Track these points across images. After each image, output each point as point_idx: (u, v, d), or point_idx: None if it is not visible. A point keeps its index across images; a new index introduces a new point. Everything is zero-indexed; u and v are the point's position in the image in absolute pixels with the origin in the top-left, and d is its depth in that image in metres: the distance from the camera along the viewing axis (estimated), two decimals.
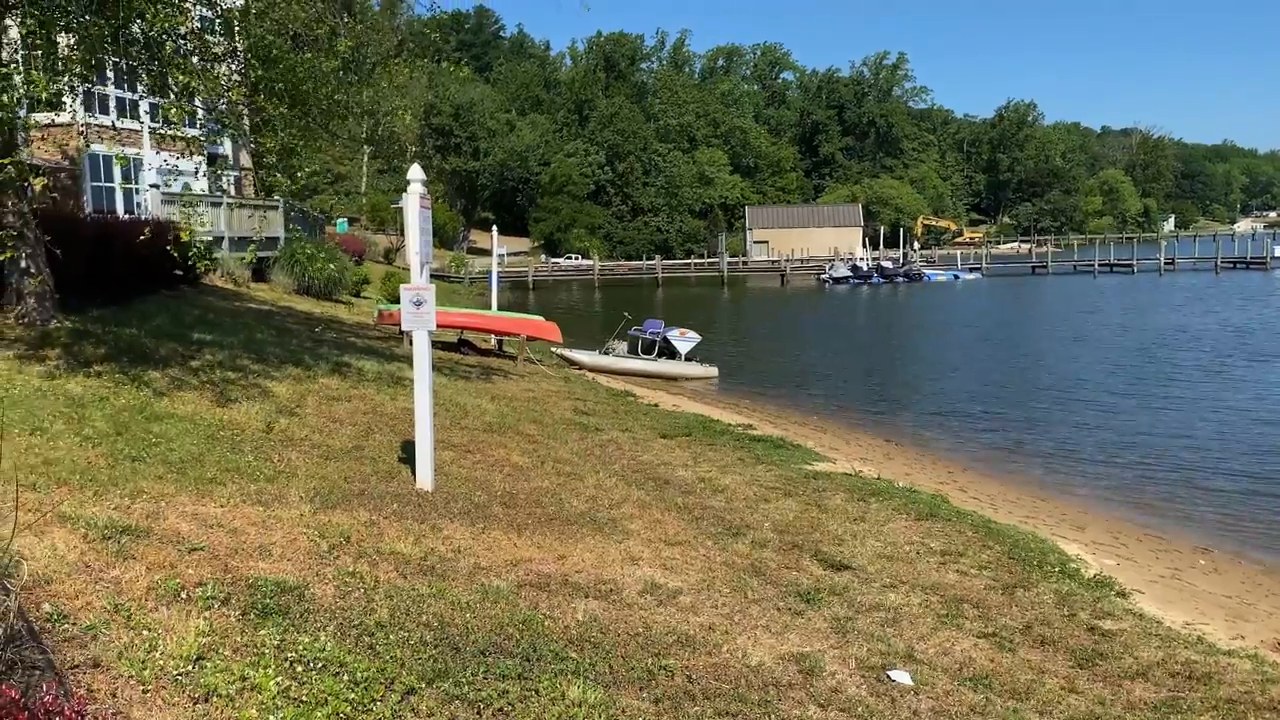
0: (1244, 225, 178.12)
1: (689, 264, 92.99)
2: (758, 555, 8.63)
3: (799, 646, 6.41)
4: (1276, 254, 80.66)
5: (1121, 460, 16.85)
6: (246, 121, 13.09)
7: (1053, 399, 23.19)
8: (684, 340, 27.52)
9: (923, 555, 9.20)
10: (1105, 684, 6.36)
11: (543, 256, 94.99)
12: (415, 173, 8.58)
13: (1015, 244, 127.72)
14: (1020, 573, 8.84)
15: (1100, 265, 78.92)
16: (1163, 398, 22.90)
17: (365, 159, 72.97)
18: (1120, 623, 7.67)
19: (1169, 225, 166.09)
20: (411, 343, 9.33)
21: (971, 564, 8.98)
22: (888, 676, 6.11)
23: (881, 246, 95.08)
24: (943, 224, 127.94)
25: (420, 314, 8.54)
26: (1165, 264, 77.91)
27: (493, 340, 24.63)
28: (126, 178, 24.76)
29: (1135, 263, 78.47)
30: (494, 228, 29.26)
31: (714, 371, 27.34)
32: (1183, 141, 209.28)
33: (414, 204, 8.49)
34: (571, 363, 26.14)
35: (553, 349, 26.11)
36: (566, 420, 14.80)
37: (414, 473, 8.85)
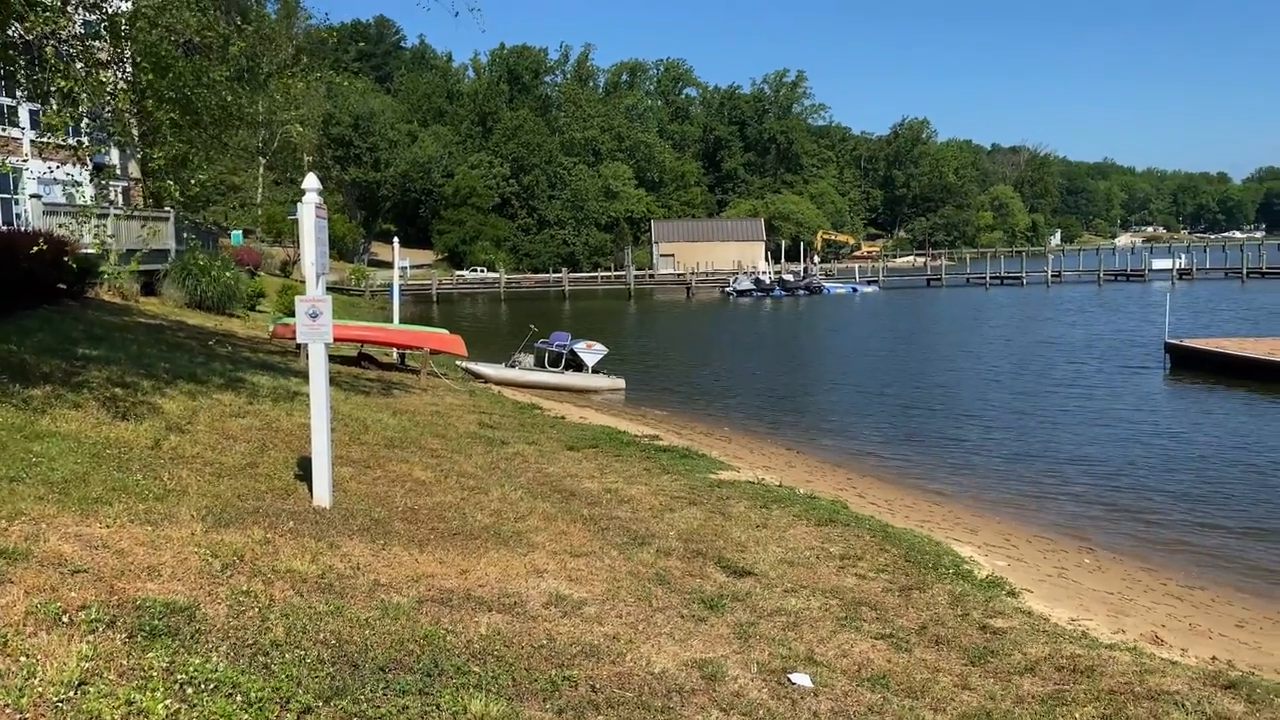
0: (1124, 240, 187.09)
1: (596, 277, 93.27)
2: (662, 564, 8.68)
3: (702, 653, 6.47)
4: (1154, 267, 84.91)
5: (1012, 465, 17.49)
6: (135, 129, 12.65)
7: (948, 407, 23.93)
8: (591, 353, 27.55)
9: (823, 560, 9.38)
10: (996, 680, 6.58)
11: (458, 272, 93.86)
12: (310, 182, 8.42)
13: (911, 257, 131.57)
14: (916, 575, 9.08)
15: (992, 278, 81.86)
16: (1050, 407, 23.85)
17: (261, 169, 71.15)
18: (1010, 621, 7.93)
19: (1055, 239, 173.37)
20: (308, 356, 9.13)
21: (870, 567, 9.19)
22: (789, 679, 6.22)
23: (783, 260, 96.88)
24: (842, 238, 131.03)
25: (316, 326, 8.37)
26: (1052, 277, 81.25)
27: (394, 354, 24.24)
28: (4, 188, 23.65)
29: (1024, 275, 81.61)
30: (395, 240, 28.81)
31: (621, 383, 27.43)
32: (1067, 159, 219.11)
33: (309, 214, 8.32)
34: (477, 376, 25.90)
35: (457, 362, 25.83)
36: (471, 434, 14.67)
37: (311, 489, 8.65)
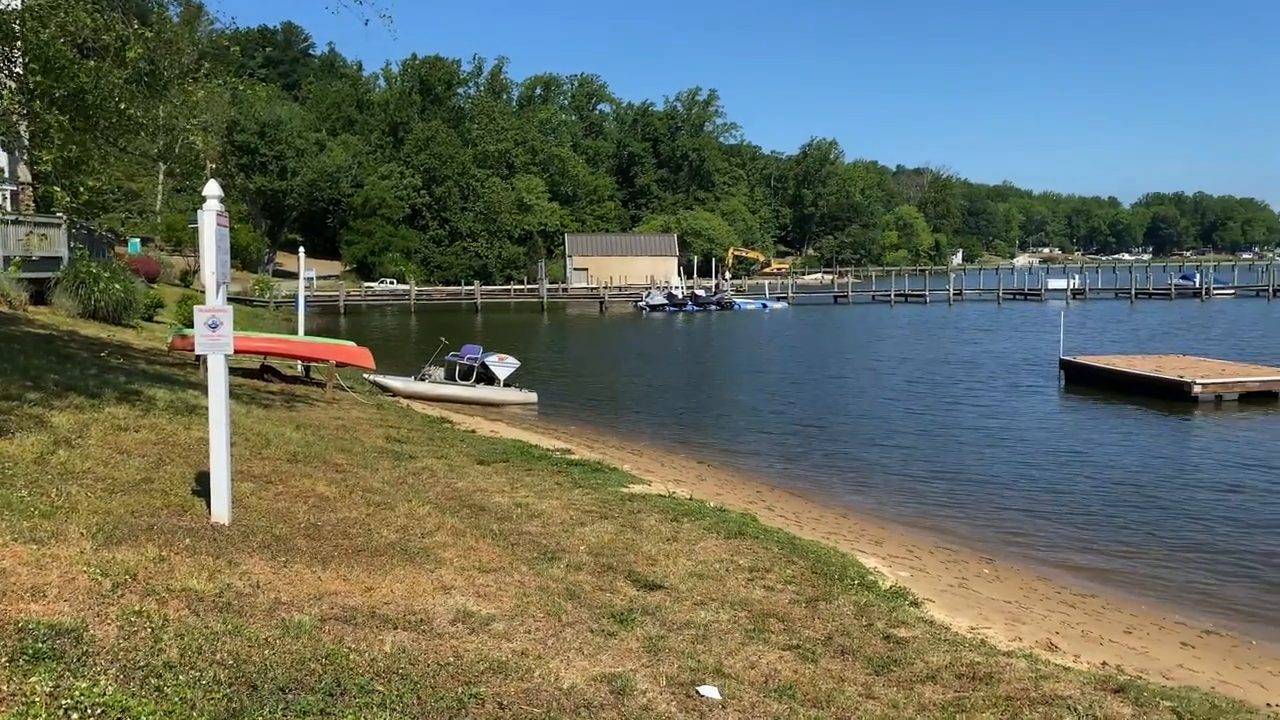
0: (1022, 260, 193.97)
1: (509, 290, 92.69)
2: (573, 578, 8.64)
3: (611, 667, 6.46)
4: (1050, 287, 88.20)
5: (916, 478, 17.92)
6: (25, 132, 12.11)
7: (855, 421, 24.42)
8: (503, 366, 27.34)
9: (732, 572, 9.46)
10: (899, 688, 6.71)
11: (367, 284, 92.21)
12: (212, 189, 8.19)
13: (819, 275, 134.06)
14: (823, 586, 9.22)
15: (896, 296, 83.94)
16: (952, 422, 24.52)
17: (161, 176, 68.90)
18: (913, 630, 8.11)
19: (957, 259, 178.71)
20: (207, 368, 8.85)
21: (777, 579, 9.29)
22: (697, 692, 6.24)
23: (695, 276, 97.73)
24: (752, 255, 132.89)
25: (216, 337, 8.13)
26: (954, 295, 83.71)
27: (299, 367, 23.67)
28: None
29: (927, 293, 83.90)
30: (300, 249, 28.21)
31: (533, 397, 27.27)
32: (968, 181, 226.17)
33: (210, 221, 8.09)
34: (385, 389, 25.46)
35: (365, 375, 25.35)
36: (378, 448, 14.40)
37: (209, 506, 8.37)
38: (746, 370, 37.32)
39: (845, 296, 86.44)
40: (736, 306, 79.96)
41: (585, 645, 6.86)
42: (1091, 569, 12.41)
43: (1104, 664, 8.18)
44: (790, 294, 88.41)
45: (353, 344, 24.13)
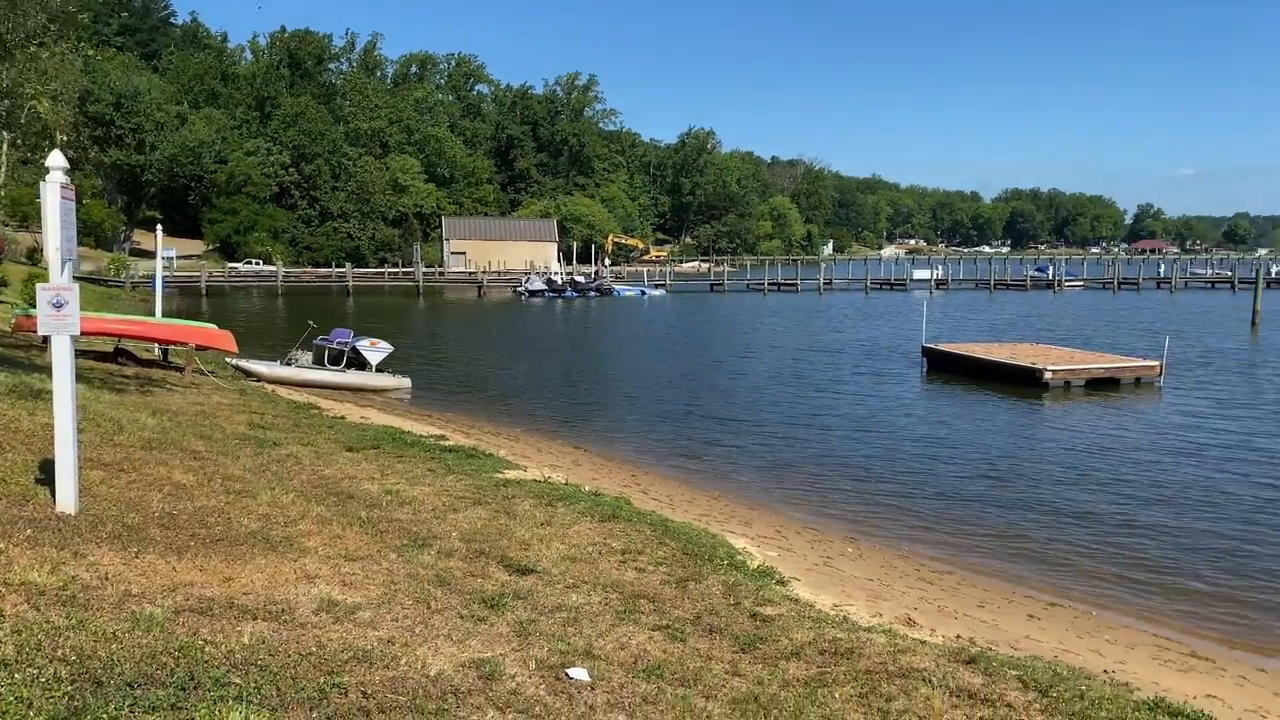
0: (889, 251, 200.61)
1: (382, 273, 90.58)
2: (443, 565, 8.54)
3: (480, 653, 6.41)
4: (915, 277, 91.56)
5: (786, 460, 18.37)
6: None
7: (729, 405, 24.85)
8: (375, 350, 26.71)
9: (604, 555, 9.51)
10: (764, 665, 6.87)
11: (231, 265, 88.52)
12: (55, 159, 7.71)
13: (697, 263, 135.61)
14: (693, 567, 9.36)
15: (770, 284, 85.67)
16: (821, 406, 25.22)
17: (4, 147, 64.56)
18: (779, 608, 8.31)
19: (828, 249, 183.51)
20: (51, 350, 8.35)
21: (649, 561, 9.39)
22: (566, 674, 6.25)
23: (575, 262, 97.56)
24: (631, 242, 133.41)
25: (61, 317, 7.67)
26: (825, 284, 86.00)
27: (156, 350, 22.61)
28: None
29: (799, 283, 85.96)
30: (158, 227, 26.91)
31: (407, 382, 26.77)
32: (840, 174, 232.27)
33: (53, 194, 7.62)
34: (249, 374, 24.56)
35: (227, 360, 24.39)
36: (240, 435, 13.89)
37: (54, 495, 7.92)
38: (625, 357, 37.50)
39: (721, 285, 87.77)
40: (616, 293, 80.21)
41: (454, 631, 6.79)
42: (948, 547, 12.97)
43: (958, 637, 8.56)
44: (668, 281, 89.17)
45: (214, 327, 23.18)
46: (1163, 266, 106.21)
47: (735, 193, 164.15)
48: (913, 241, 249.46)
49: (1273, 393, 26.28)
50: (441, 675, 5.91)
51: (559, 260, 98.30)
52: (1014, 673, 6.90)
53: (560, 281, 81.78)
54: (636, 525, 10.84)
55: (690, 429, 21.70)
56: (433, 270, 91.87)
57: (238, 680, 5.18)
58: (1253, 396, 25.69)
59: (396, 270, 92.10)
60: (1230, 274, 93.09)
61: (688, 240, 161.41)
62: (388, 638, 6.45)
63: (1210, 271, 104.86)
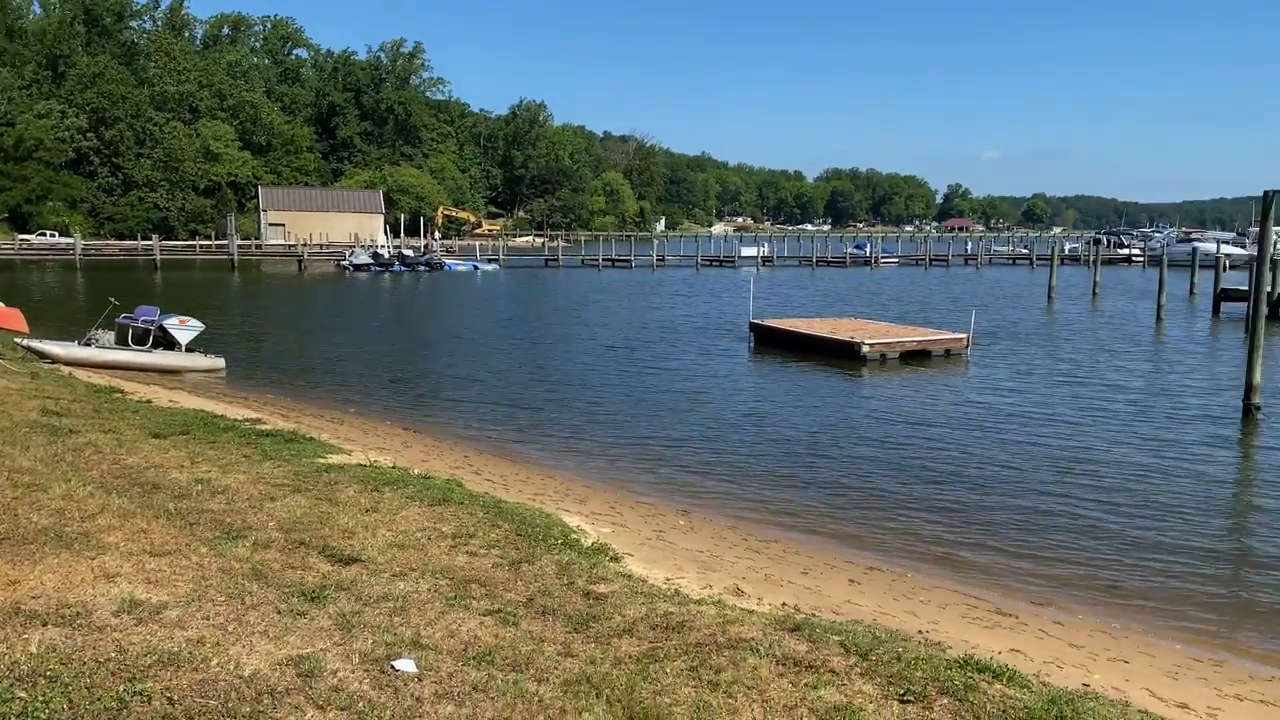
0: (719, 228, 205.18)
1: (194, 246, 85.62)
2: (260, 557, 8.11)
3: (299, 649, 6.10)
4: (743, 254, 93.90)
5: (619, 435, 18.47)
6: None
7: (563, 383, 24.79)
8: (184, 329, 25.17)
9: (434, 540, 9.27)
10: (597, 644, 6.84)
11: (22, 236, 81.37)
12: None
13: (530, 237, 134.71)
14: (526, 548, 9.25)
15: (604, 260, 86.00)
16: (654, 381, 25.50)
17: None
18: (612, 585, 8.31)
19: (661, 226, 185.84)
20: None
21: (481, 544, 9.22)
22: (392, 667, 6.04)
23: (403, 235, 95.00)
24: (462, 215, 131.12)
25: None
26: (657, 261, 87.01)
27: None
28: None
29: (633, 259, 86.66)
30: None
31: (220, 363, 25.39)
32: (670, 151, 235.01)
33: None
34: (42, 356, 22.68)
35: (16, 340, 22.44)
36: (30, 422, 12.78)
37: None
38: (456, 333, 36.82)
39: (555, 260, 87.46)
40: (447, 268, 78.60)
41: (271, 628, 6.44)
42: (774, 516, 13.36)
43: (784, 604, 8.80)
44: (501, 256, 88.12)
45: (0, 304, 21.26)
46: (970, 244, 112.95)
47: (568, 167, 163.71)
48: (741, 219, 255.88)
49: (1068, 363, 28.37)
50: (257, 675, 5.59)
51: (386, 233, 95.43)
52: (836, 638, 7.14)
53: (387, 255, 79.47)
54: (468, 508, 10.62)
55: (525, 407, 21.51)
56: (249, 243, 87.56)
57: (23, 694, 4.74)
58: (1050, 366, 27.66)
59: (209, 243, 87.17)
60: (1028, 251, 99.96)
61: (521, 214, 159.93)
62: (197, 638, 6.05)
63: (1010, 249, 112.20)
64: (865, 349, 27.68)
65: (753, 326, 33.34)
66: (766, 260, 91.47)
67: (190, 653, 5.75)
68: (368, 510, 10.23)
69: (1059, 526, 12.81)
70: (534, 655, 6.52)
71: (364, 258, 77.81)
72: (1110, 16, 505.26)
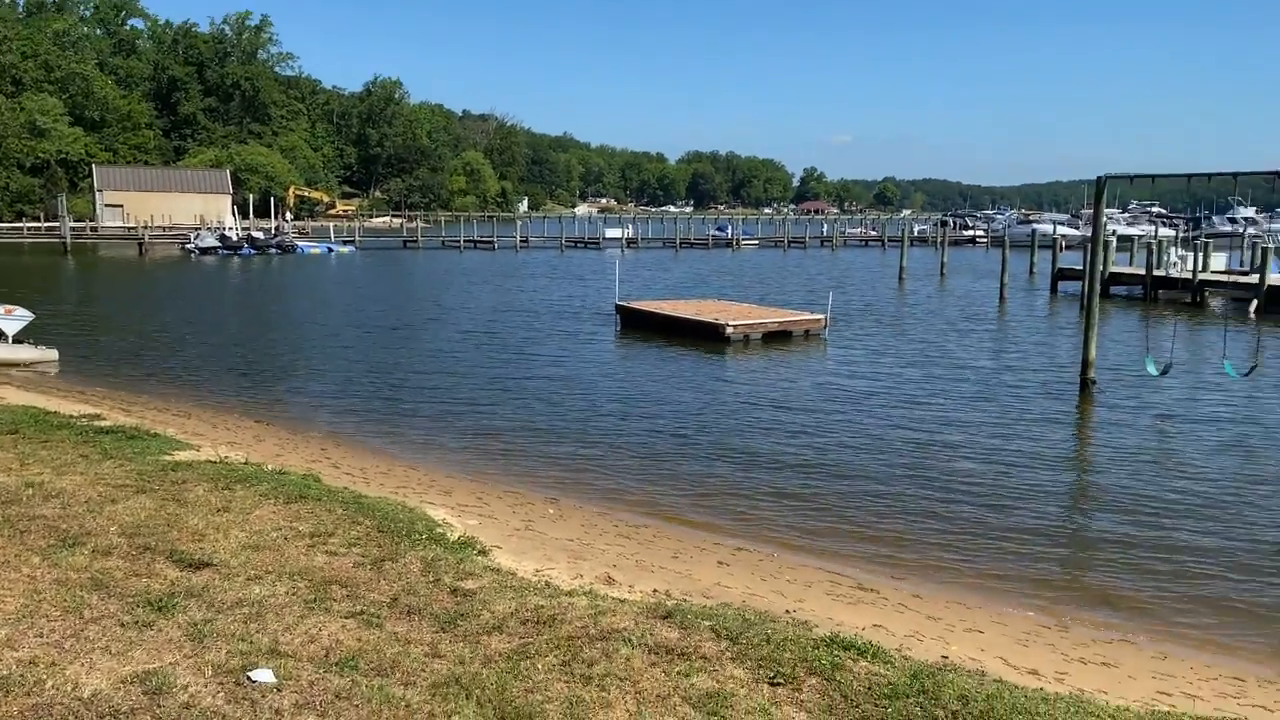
0: (583, 209, 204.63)
1: (21, 228, 79.98)
2: (100, 566, 7.59)
3: (146, 664, 5.74)
4: (607, 236, 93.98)
5: (485, 422, 18.18)
6: None
7: (425, 370, 24.24)
8: (11, 319, 23.46)
9: (291, 540, 8.88)
10: (466, 643, 6.68)
11: None
12: None
13: (388, 218, 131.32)
14: (389, 545, 8.96)
15: (466, 242, 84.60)
16: (519, 367, 25.23)
17: None
18: (480, 580, 8.14)
19: (523, 206, 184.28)
20: None
21: (341, 543, 8.88)
22: (249, 678, 5.74)
23: (252, 216, 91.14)
24: (316, 195, 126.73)
25: None
26: (521, 242, 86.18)
27: None
28: None
29: (495, 240, 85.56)
30: None
31: (53, 355, 23.79)
32: (532, 131, 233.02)
33: None
34: None
35: None
36: None
37: None
38: (311, 320, 35.53)
39: (415, 241, 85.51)
40: (299, 250, 75.79)
41: (114, 643, 6.03)
42: (644, 500, 13.39)
43: (655, 591, 8.81)
44: (358, 238, 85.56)
45: None
46: (825, 226, 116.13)
47: (426, 146, 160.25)
48: (604, 200, 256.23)
49: (919, 342, 29.51)
50: (98, 695, 5.22)
51: (234, 214, 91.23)
52: (707, 623, 7.18)
53: (236, 238, 76.01)
54: (327, 504, 10.22)
55: (384, 396, 20.94)
56: (83, 225, 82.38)
57: None
58: (903, 345, 28.71)
59: (38, 225, 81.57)
60: (880, 233, 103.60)
61: (377, 194, 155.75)
62: (30, 658, 5.62)
63: (863, 231, 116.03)
64: (729, 330, 28.10)
65: (619, 309, 33.38)
66: (631, 242, 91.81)
67: (22, 675, 5.32)
68: (219, 510, 9.72)
69: (915, 505, 13.28)
70: (400, 658, 6.31)
71: (210, 240, 74.28)
72: (949, 11, 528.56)
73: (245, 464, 12.37)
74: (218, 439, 15.04)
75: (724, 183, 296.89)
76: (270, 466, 12.46)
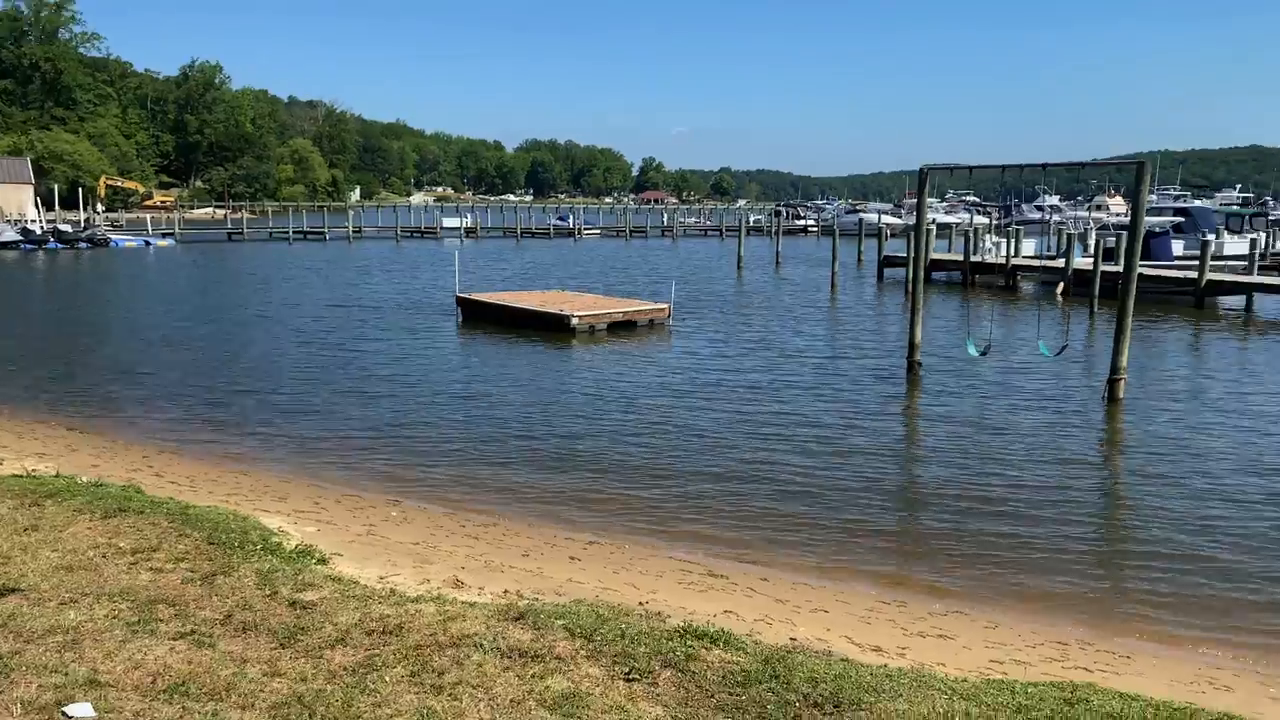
0: (418, 198, 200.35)
1: None
2: None
3: None
4: (445, 225, 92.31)
5: (322, 424, 17.47)
6: None
7: (254, 370, 23.12)
8: None
9: (111, 558, 8.25)
10: (307, 659, 6.36)
11: None
12: None
13: (211, 209, 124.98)
14: (221, 558, 8.46)
15: (295, 233, 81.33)
16: (356, 364, 24.40)
17: None
18: (321, 591, 7.78)
19: (356, 196, 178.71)
20: None
21: (167, 558, 8.32)
22: (64, 714, 5.28)
23: (58, 208, 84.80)
24: (130, 185, 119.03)
25: None
26: (354, 233, 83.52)
27: None
28: None
29: (327, 231, 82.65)
30: None
31: None
32: (363, 118, 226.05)
33: None
34: None
35: None
36: None
37: None
38: (127, 319, 33.32)
39: (241, 233, 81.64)
40: (114, 244, 71.03)
41: None
42: (492, 498, 13.15)
43: (506, 591, 8.65)
44: (178, 230, 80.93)
45: None
46: (665, 216, 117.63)
47: (250, 133, 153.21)
48: (441, 189, 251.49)
49: (759, 329, 30.23)
50: None
51: (37, 206, 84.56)
52: (561, 622, 7.09)
53: (40, 231, 70.54)
54: (150, 517, 9.56)
55: (210, 399, 19.84)
56: None
57: None
58: (743, 333, 29.34)
59: None
60: (718, 223, 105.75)
61: (199, 184, 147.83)
62: None
63: (701, 220, 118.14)
64: (575, 321, 28.01)
65: (460, 301, 32.76)
66: (470, 232, 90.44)
67: None
68: (26, 529, 8.94)
69: (759, 488, 13.56)
70: (236, 679, 5.95)
71: (11, 234, 68.63)
72: (776, 12, 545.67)
73: (56, 477, 11.44)
74: (24, 450, 13.88)
75: (564, 172, 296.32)
76: (85, 478, 11.57)
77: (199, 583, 7.78)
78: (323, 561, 8.93)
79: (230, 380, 21.63)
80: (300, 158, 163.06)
